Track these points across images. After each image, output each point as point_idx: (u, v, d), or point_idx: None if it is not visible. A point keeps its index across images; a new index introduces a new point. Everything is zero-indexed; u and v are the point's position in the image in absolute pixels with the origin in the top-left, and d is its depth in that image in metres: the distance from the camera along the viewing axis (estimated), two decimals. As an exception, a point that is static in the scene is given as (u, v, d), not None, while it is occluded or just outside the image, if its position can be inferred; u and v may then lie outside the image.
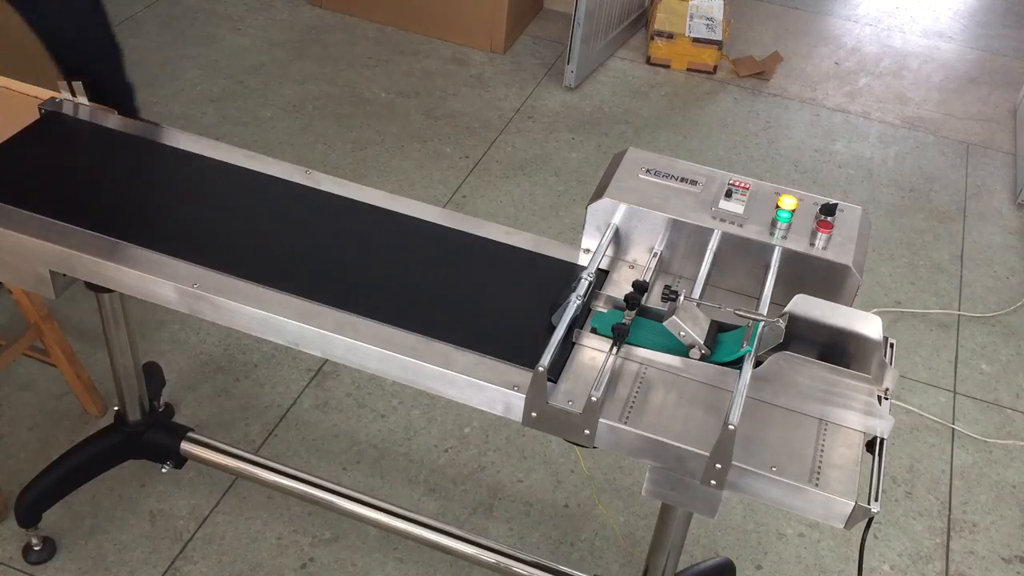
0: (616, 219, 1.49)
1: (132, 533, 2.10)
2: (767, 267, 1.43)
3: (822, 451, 1.27)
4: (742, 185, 1.51)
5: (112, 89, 2.47)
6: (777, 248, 1.43)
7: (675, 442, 1.26)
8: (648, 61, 3.97)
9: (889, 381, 1.32)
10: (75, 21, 2.39)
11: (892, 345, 1.43)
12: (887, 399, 1.32)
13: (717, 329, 1.37)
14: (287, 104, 3.48)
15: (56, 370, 2.25)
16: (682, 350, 1.33)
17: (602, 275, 1.49)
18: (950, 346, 2.81)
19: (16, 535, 2.04)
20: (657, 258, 1.49)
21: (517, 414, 1.32)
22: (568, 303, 1.36)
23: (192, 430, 2.11)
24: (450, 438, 2.38)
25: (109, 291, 1.80)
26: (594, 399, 1.25)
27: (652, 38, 3.93)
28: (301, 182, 1.65)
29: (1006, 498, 2.40)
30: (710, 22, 3.89)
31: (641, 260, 1.52)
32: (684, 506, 1.38)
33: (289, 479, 2.04)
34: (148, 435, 2.10)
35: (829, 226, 1.44)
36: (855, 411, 1.29)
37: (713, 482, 1.25)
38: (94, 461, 2.09)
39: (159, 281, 1.43)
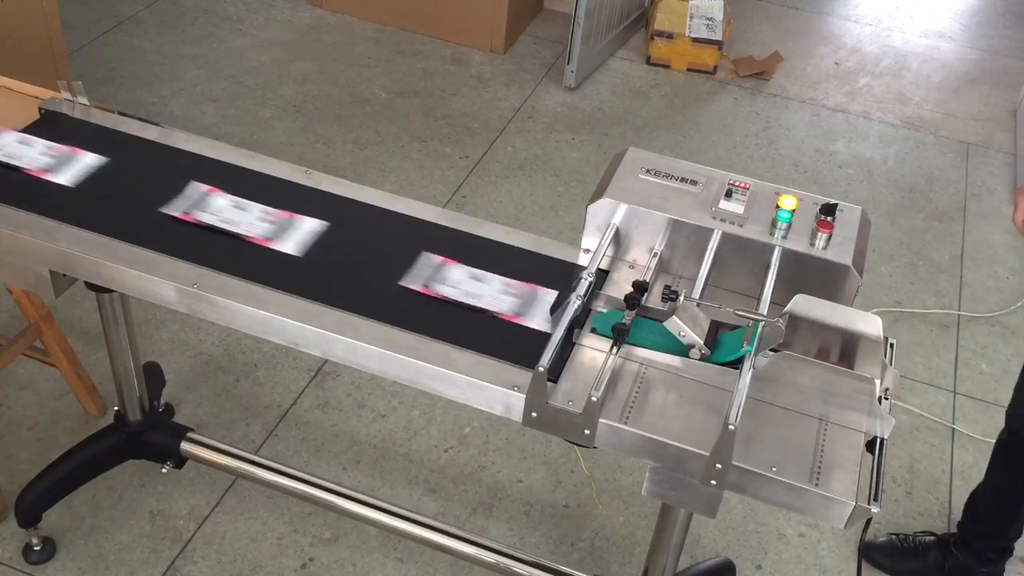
0: (616, 219, 1.49)
1: (132, 533, 2.10)
2: (767, 267, 1.43)
3: (822, 451, 1.27)
4: (742, 185, 1.51)
5: None
6: (777, 248, 1.43)
7: (675, 442, 1.26)
8: (648, 61, 3.97)
9: (889, 381, 1.32)
10: None
11: (892, 345, 1.43)
12: (887, 399, 1.32)
13: (717, 329, 1.37)
14: (287, 104, 3.49)
15: (56, 370, 2.25)
16: (682, 350, 1.33)
17: (602, 275, 1.49)
18: (950, 346, 2.81)
19: (16, 535, 2.04)
20: (657, 258, 1.49)
21: (517, 414, 1.32)
22: (568, 303, 1.36)
23: (192, 430, 2.11)
24: (450, 438, 2.38)
25: (109, 291, 1.80)
26: (594, 399, 1.25)
27: (652, 38, 3.93)
28: (301, 182, 1.65)
29: (1006, 498, 2.40)
30: (710, 22, 3.89)
31: (641, 260, 1.52)
32: (684, 506, 1.38)
33: (289, 479, 2.04)
34: (148, 435, 2.10)
35: (829, 226, 1.44)
36: (855, 411, 1.29)
37: (713, 482, 1.25)
38: (94, 461, 2.09)
39: (159, 281, 1.43)
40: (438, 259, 1.50)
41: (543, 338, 1.33)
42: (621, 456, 2.33)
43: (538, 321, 1.41)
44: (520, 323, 1.41)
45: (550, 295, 1.45)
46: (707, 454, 1.24)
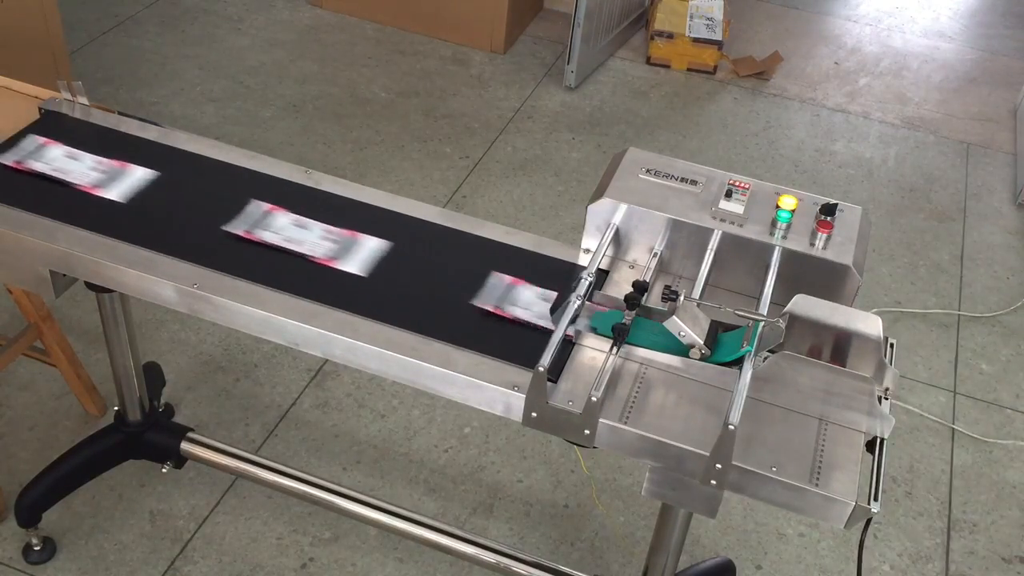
0: (616, 219, 1.49)
1: (132, 533, 2.10)
2: (767, 267, 1.43)
3: (822, 451, 1.27)
4: (742, 185, 1.51)
5: None
6: (777, 248, 1.43)
7: (675, 442, 1.26)
8: (648, 61, 3.97)
9: (889, 381, 1.32)
10: None
11: (892, 345, 1.43)
12: (887, 399, 1.32)
13: (717, 329, 1.37)
14: (287, 104, 3.49)
15: (56, 370, 2.25)
16: (682, 350, 1.33)
17: (602, 275, 1.49)
18: (950, 346, 2.81)
19: (16, 535, 2.04)
20: (657, 258, 1.49)
21: (517, 414, 1.32)
22: (568, 303, 1.36)
23: (192, 430, 2.11)
24: (450, 438, 2.38)
25: (109, 291, 1.80)
26: (594, 399, 1.25)
27: (652, 38, 3.93)
28: (301, 182, 1.65)
29: (1006, 498, 2.40)
30: (710, 22, 3.89)
31: (641, 260, 1.52)
32: (684, 506, 1.38)
33: (289, 479, 2.04)
34: (148, 435, 2.10)
35: (829, 226, 1.44)
36: (855, 411, 1.29)
37: (713, 482, 1.25)
38: (94, 461, 2.09)
39: (159, 281, 1.43)
40: (266, 207, 1.54)
41: (543, 338, 1.33)
42: (621, 456, 2.34)
43: (353, 265, 1.46)
44: (335, 267, 1.45)
45: (372, 241, 1.50)
46: (707, 454, 1.24)
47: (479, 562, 1.98)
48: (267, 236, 1.51)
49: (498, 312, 1.42)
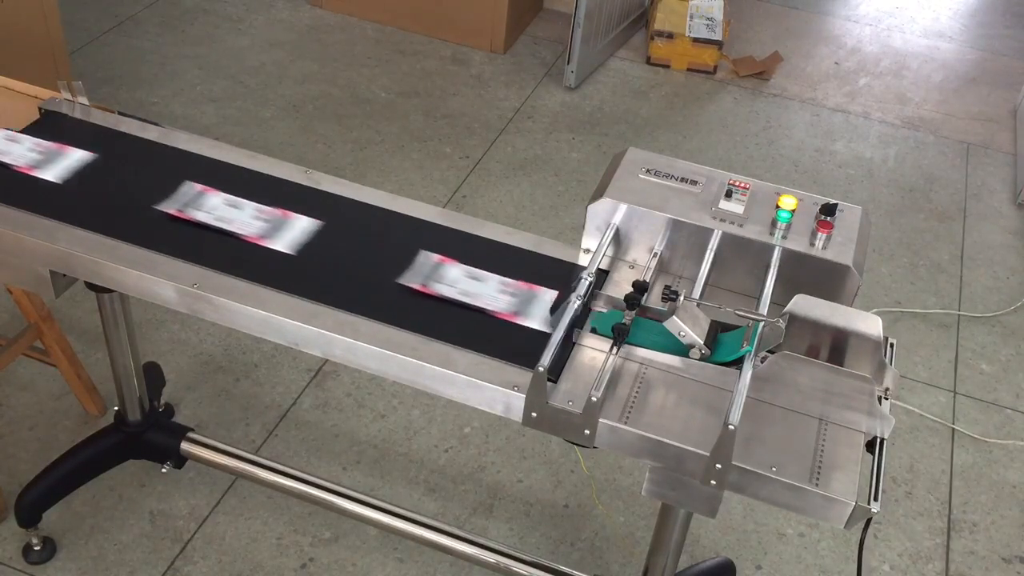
0: (616, 219, 1.49)
1: (132, 533, 2.10)
2: (767, 267, 1.43)
3: (822, 451, 1.27)
4: (742, 185, 1.51)
5: None
6: (777, 248, 1.43)
7: (675, 442, 1.26)
8: (648, 61, 3.97)
9: (889, 381, 1.32)
10: None
11: (892, 345, 1.43)
12: (887, 399, 1.32)
13: (717, 329, 1.37)
14: (287, 104, 3.49)
15: (56, 370, 2.25)
16: (682, 350, 1.33)
17: (602, 275, 1.49)
18: (950, 346, 2.81)
19: (16, 535, 2.04)
20: (657, 258, 1.49)
21: (517, 414, 1.32)
22: (568, 303, 1.36)
23: (192, 430, 2.11)
24: (450, 438, 2.38)
25: (109, 291, 1.80)
26: (594, 399, 1.25)
27: (652, 38, 3.93)
28: (301, 182, 1.65)
29: (1006, 498, 2.40)
30: (710, 22, 3.89)
31: (641, 260, 1.52)
32: (684, 506, 1.38)
33: (289, 479, 2.04)
34: (148, 435, 2.10)
35: (829, 226, 1.44)
36: (855, 411, 1.29)
37: (713, 482, 1.25)
38: (94, 461, 2.09)
39: (159, 281, 1.43)
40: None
41: (543, 338, 1.33)
42: (621, 456, 2.34)
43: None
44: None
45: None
46: (707, 454, 1.24)
47: (479, 562, 1.98)
48: (198, 215, 1.51)
49: (424, 290, 1.44)
